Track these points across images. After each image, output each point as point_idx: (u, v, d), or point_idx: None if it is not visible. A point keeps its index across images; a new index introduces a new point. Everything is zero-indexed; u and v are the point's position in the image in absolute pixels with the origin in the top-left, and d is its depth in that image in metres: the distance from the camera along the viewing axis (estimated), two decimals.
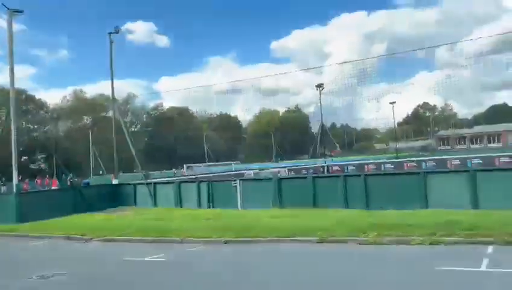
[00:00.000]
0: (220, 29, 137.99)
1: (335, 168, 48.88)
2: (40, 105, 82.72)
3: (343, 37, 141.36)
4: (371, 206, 15.96)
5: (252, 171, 39.00)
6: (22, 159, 60.87)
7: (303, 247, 11.07)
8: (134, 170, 30.48)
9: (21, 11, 19.90)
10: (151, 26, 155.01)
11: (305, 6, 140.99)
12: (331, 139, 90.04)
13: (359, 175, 18.55)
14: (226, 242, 12.18)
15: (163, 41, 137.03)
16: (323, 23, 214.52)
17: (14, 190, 20.10)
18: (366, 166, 47.61)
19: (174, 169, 58.92)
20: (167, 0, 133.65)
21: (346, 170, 46.10)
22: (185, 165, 54.77)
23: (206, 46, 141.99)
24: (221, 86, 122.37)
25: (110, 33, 25.61)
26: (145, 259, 10.62)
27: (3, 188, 33.65)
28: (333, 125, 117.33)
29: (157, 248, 12.13)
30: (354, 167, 47.88)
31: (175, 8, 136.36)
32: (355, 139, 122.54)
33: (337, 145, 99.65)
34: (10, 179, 23.41)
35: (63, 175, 49.73)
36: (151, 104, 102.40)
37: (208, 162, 75.62)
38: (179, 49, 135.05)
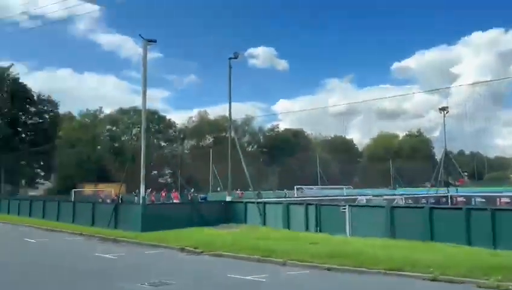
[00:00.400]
0: (339, 51, 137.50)
1: (460, 199, 44.34)
2: (169, 125, 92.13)
3: (474, 57, 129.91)
4: (498, 245, 14.06)
5: (364, 197, 37.35)
6: (152, 173, 67.48)
7: (411, 283, 10.18)
8: (249, 189, 31.54)
9: (154, 41, 22.25)
10: (272, 51, 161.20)
11: (430, 26, 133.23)
12: (457, 167, 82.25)
13: (485, 209, 16.59)
14: (329, 269, 11.80)
15: (282, 65, 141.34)
16: (451, 42, 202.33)
17: (141, 202, 22.30)
18: (498, 199, 42.24)
19: (285, 190, 59.47)
20: (286, 25, 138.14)
21: (473, 202, 41.56)
22: (295, 187, 54.95)
23: (324, 69, 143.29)
24: (337, 108, 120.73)
25: (230, 58, 27.41)
26: (247, 278, 10.80)
27: (136, 199, 37.46)
28: (461, 152, 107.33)
29: (260, 267, 12.28)
30: (483, 200, 42.71)
31: (294, 32, 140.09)
32: (486, 169, 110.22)
33: (464, 174, 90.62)
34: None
35: (185, 190, 53.62)
36: (268, 126, 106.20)
37: (320, 184, 74.86)
38: (297, 72, 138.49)
